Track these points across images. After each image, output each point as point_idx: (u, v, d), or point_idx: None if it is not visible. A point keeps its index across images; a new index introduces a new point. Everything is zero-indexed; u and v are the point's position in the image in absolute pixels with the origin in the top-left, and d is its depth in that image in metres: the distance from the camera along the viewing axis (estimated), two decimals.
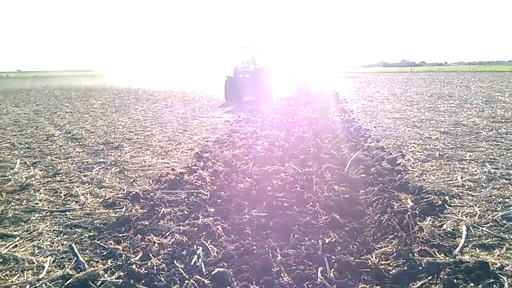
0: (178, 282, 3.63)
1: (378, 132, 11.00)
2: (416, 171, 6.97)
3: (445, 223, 4.77)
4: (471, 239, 4.36)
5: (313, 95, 26.08)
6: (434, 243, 4.21)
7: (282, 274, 3.72)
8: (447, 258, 3.87)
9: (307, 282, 3.55)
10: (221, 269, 3.70)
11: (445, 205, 5.30)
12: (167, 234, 4.71)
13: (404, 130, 11.27)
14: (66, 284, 3.61)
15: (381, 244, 4.46)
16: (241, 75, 23.52)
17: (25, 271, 3.94)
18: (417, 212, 4.96)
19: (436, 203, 5.31)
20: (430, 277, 3.56)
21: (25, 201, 6.01)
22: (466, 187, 6.11)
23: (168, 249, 4.26)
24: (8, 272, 3.95)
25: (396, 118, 13.85)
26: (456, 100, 19.49)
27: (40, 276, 3.80)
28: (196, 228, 4.79)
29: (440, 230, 4.56)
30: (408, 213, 4.69)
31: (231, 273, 3.71)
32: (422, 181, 6.42)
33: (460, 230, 4.54)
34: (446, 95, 22.58)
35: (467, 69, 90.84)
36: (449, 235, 4.46)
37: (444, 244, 4.18)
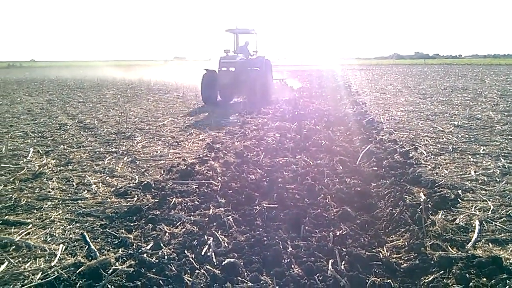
0: (189, 271, 3.63)
1: (390, 125, 10.90)
2: (429, 165, 6.90)
3: (458, 217, 4.71)
4: (484, 234, 4.30)
5: (325, 87, 25.91)
6: (447, 237, 4.16)
7: (292, 266, 3.71)
8: (460, 252, 3.82)
9: (317, 274, 3.54)
10: (232, 260, 3.70)
11: (458, 199, 5.23)
12: (178, 224, 4.72)
13: (417, 123, 11.15)
14: (77, 271, 3.63)
15: (392, 237, 4.43)
16: (223, 68, 17.23)
17: (37, 258, 3.98)
18: (429, 206, 4.91)
19: (449, 197, 5.24)
20: (442, 271, 3.53)
21: (37, 189, 6.06)
22: (480, 181, 6.04)
23: (179, 239, 4.27)
24: (20, 259, 3.99)
25: (409, 111, 13.71)
26: (471, 94, 19.23)
27: (52, 264, 3.83)
28: (207, 219, 4.80)
29: (452, 225, 4.50)
30: (421, 206, 4.64)
31: (242, 263, 3.71)
32: (435, 174, 6.35)
33: (473, 225, 4.48)
34: (460, 88, 22.29)
35: (482, 62, 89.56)
36: (461, 229, 4.41)
37: (457, 239, 4.12)
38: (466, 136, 9.32)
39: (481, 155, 7.58)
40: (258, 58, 18.44)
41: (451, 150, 7.98)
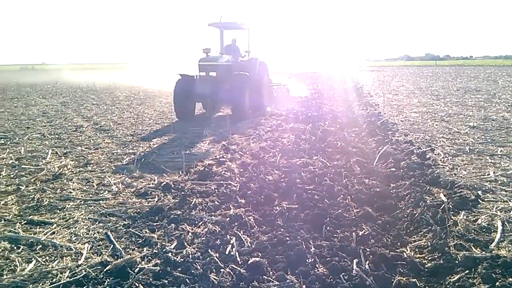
0: (214, 270, 3.67)
1: (405, 126, 10.88)
2: (447, 166, 6.89)
3: (480, 217, 4.70)
4: (506, 234, 4.29)
5: (337, 89, 25.87)
6: (470, 237, 4.16)
7: (317, 265, 3.72)
8: (484, 252, 3.82)
9: (342, 274, 3.55)
10: (257, 259, 3.73)
11: (478, 200, 5.22)
12: (200, 223, 4.76)
13: (432, 124, 11.12)
14: (105, 270, 3.68)
15: (414, 237, 4.43)
16: (202, 72, 13.55)
17: (64, 257, 4.05)
18: (450, 206, 4.90)
19: (469, 198, 5.23)
20: (467, 271, 3.53)
21: (59, 189, 6.15)
22: (499, 182, 6.02)
23: (202, 238, 4.32)
24: (47, 257, 4.06)
25: (423, 112, 13.67)
26: (484, 95, 19.12)
27: (79, 262, 3.89)
28: (228, 219, 4.83)
29: (475, 225, 4.50)
30: (443, 206, 4.65)
31: (266, 263, 3.74)
32: (454, 175, 6.33)
33: (495, 225, 4.47)
34: (473, 90, 22.17)
35: (494, 63, 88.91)
36: (484, 229, 4.40)
37: (480, 239, 4.13)
38: (483, 137, 9.27)
39: (499, 156, 7.54)
40: (250, 60, 15.01)
41: (468, 151, 7.96)
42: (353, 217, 4.86)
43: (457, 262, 3.68)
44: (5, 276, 3.68)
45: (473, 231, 4.34)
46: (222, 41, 15.37)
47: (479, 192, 5.47)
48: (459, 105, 15.27)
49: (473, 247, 3.96)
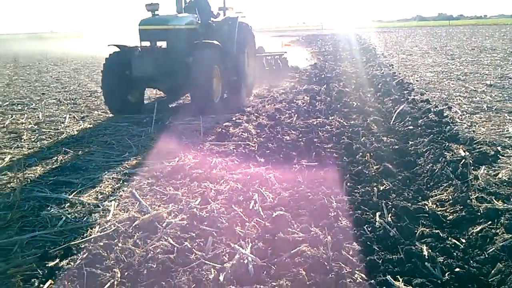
0: (239, 224, 3.76)
1: (421, 86, 10.77)
2: (464, 123, 6.85)
3: (500, 172, 4.70)
4: None
5: (350, 50, 25.51)
6: (491, 190, 4.17)
7: (340, 218, 3.79)
8: (506, 204, 3.85)
9: (366, 225, 3.63)
10: (281, 212, 3.81)
11: (498, 155, 5.20)
12: (222, 181, 4.82)
13: (448, 83, 10.99)
14: (133, 225, 3.79)
15: (435, 192, 4.47)
16: (144, 42, 8.83)
17: (93, 214, 4.16)
18: (470, 161, 4.91)
19: (489, 153, 5.21)
20: (490, 222, 3.57)
21: (80, 151, 6.26)
22: None
23: (225, 195, 4.39)
24: (76, 214, 4.17)
25: (438, 71, 13.49)
26: (500, 53, 18.74)
27: (108, 218, 4.01)
28: (249, 177, 4.89)
29: (495, 179, 4.50)
30: (463, 161, 4.67)
31: (290, 216, 3.81)
32: (472, 132, 6.31)
33: None
34: (489, 49, 21.72)
35: (509, 21, 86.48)
36: (505, 183, 4.40)
37: (501, 192, 4.13)
38: (500, 95, 9.17)
39: None
40: (226, 21, 10.06)
41: (486, 108, 7.88)
42: (373, 174, 4.91)
43: (479, 213, 3.72)
44: (37, 232, 3.81)
45: (494, 184, 4.35)
46: None
47: (499, 148, 5.45)
48: (474, 64, 15.01)
49: (494, 200, 3.98)
